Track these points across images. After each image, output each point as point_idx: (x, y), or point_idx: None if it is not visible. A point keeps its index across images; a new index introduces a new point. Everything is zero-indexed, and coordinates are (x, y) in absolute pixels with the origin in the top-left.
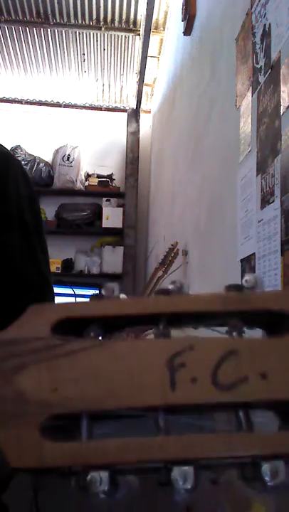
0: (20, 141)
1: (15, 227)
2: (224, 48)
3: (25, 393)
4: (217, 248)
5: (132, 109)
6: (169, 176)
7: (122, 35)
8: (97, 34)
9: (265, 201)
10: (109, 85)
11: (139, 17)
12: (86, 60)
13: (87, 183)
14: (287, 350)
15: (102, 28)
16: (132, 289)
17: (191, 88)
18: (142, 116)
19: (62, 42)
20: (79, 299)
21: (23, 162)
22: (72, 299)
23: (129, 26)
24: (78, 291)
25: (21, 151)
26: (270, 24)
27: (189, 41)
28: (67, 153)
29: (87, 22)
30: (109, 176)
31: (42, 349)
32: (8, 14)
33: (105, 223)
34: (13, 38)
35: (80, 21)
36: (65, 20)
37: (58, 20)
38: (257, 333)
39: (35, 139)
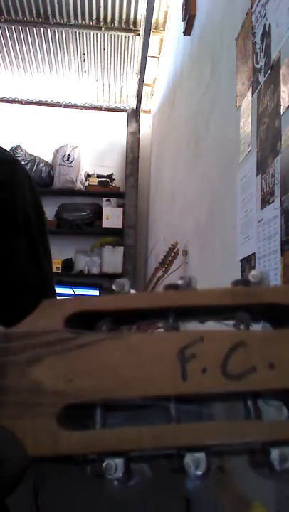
0: (20, 141)
1: (21, 234)
2: (224, 48)
3: (41, 384)
4: (217, 248)
5: (132, 109)
6: (169, 176)
7: (122, 35)
8: (97, 34)
9: (265, 201)
10: (109, 85)
11: (139, 17)
12: (86, 60)
13: (87, 183)
14: None
15: (102, 28)
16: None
17: (191, 88)
18: (142, 116)
19: (62, 42)
20: None
21: (23, 162)
22: None
23: (129, 26)
24: (78, 291)
25: (21, 151)
26: (270, 24)
27: (189, 41)
28: (67, 153)
29: (87, 22)
30: (109, 176)
31: (56, 342)
32: (8, 14)
33: (105, 223)
34: (13, 38)
35: (80, 21)
36: (65, 20)
37: (58, 20)
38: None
39: (35, 139)
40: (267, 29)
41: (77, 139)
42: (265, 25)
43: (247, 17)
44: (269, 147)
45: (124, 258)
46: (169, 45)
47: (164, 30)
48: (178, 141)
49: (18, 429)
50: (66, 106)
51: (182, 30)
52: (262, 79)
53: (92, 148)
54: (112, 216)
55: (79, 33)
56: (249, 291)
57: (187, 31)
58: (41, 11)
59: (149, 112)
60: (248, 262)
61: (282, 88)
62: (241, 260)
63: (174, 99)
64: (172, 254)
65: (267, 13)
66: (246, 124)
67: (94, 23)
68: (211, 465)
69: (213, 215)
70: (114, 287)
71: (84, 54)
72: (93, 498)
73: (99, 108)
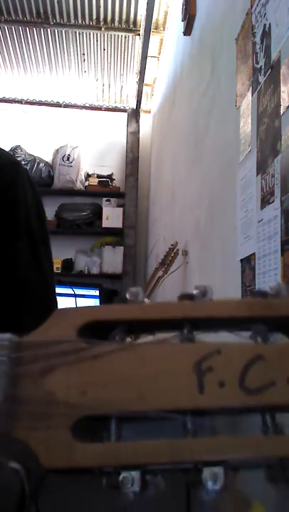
0: (20, 141)
1: (22, 236)
2: (224, 48)
3: (55, 395)
4: (217, 248)
5: (132, 109)
6: (169, 176)
7: (122, 35)
8: (97, 34)
9: (265, 201)
10: (109, 85)
11: (139, 17)
12: (86, 60)
13: (87, 183)
14: None
15: (102, 28)
16: None
17: (191, 88)
18: (142, 116)
19: (62, 42)
20: (79, 299)
21: (23, 162)
22: (72, 299)
23: (129, 26)
24: (78, 291)
25: (21, 151)
26: (270, 24)
27: (189, 41)
28: (67, 153)
29: (87, 22)
30: (109, 176)
31: (69, 352)
32: (8, 14)
33: (105, 223)
34: (13, 38)
35: (80, 21)
36: (65, 20)
37: (58, 20)
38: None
39: (35, 139)
40: (267, 29)
41: (77, 139)
42: (265, 25)
43: (247, 17)
44: (269, 147)
45: (124, 258)
46: (169, 45)
47: (164, 30)
48: (178, 141)
49: (33, 441)
50: (66, 106)
51: (182, 30)
52: (262, 79)
53: (92, 148)
54: (112, 216)
55: (79, 33)
56: (267, 303)
57: (187, 31)
58: (41, 11)
59: (149, 112)
60: (248, 262)
61: (282, 88)
62: (241, 260)
63: (174, 99)
64: (172, 254)
65: (267, 13)
66: (246, 124)
67: (94, 23)
68: (229, 479)
69: (213, 215)
70: (127, 296)
71: (84, 54)
72: (93, 497)
73: (99, 108)
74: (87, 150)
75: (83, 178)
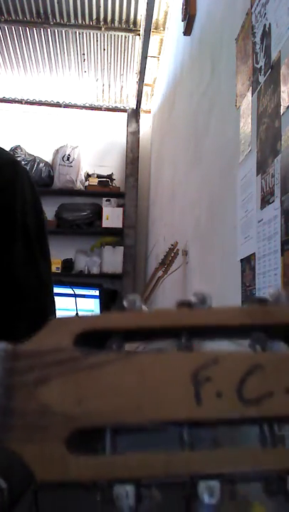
0: (20, 141)
1: (18, 236)
2: (224, 48)
3: (50, 406)
4: (217, 248)
5: (132, 109)
6: (169, 175)
7: (122, 35)
8: (97, 34)
9: (265, 201)
10: (109, 85)
11: (139, 17)
12: (86, 60)
13: (87, 183)
14: None
15: (102, 28)
16: (132, 289)
17: (191, 88)
18: (142, 116)
19: (62, 42)
20: (79, 299)
21: (23, 162)
22: (72, 299)
23: (129, 26)
24: (78, 291)
25: (21, 151)
26: (270, 24)
27: (189, 41)
28: (67, 153)
29: (87, 22)
30: (109, 176)
31: (65, 361)
32: (8, 14)
33: (105, 223)
34: (13, 38)
35: (80, 21)
36: (65, 20)
37: (58, 20)
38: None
39: (35, 139)
40: (267, 29)
41: (77, 139)
42: (265, 25)
43: (247, 17)
44: (269, 147)
45: (124, 258)
46: (169, 45)
47: (164, 30)
48: (178, 141)
49: (27, 454)
50: (66, 106)
51: (182, 30)
52: (262, 79)
53: (92, 148)
54: (112, 216)
55: (79, 33)
56: (266, 310)
57: (187, 31)
58: (41, 11)
59: (149, 112)
60: (248, 262)
61: (282, 88)
62: (241, 260)
63: (174, 99)
64: (172, 254)
65: (267, 13)
66: (246, 124)
67: (94, 23)
68: (225, 492)
69: (213, 215)
70: (124, 303)
71: (84, 54)
72: (92, 497)
73: (99, 108)
74: (87, 150)
75: (83, 178)
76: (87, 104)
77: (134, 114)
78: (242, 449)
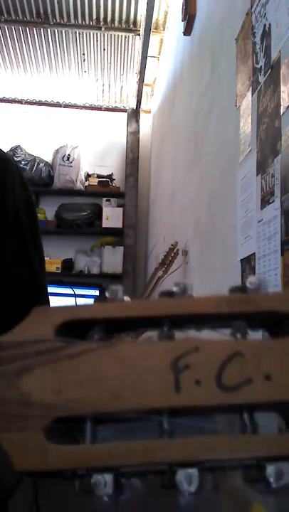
0: (20, 141)
1: (10, 234)
2: (224, 48)
3: (30, 396)
4: (217, 248)
5: (132, 109)
6: (169, 175)
7: (122, 35)
8: (97, 34)
9: (265, 201)
10: (109, 85)
11: (139, 17)
12: (86, 60)
13: (87, 183)
14: None
15: (102, 28)
16: (132, 289)
17: (191, 88)
18: (142, 116)
19: (62, 42)
20: (79, 299)
21: (23, 162)
22: (72, 299)
23: (129, 26)
24: (78, 291)
25: (21, 151)
26: (270, 24)
27: (189, 41)
28: (67, 153)
29: (87, 22)
30: (109, 176)
31: (46, 351)
32: (8, 14)
33: (105, 223)
34: (13, 38)
35: (80, 21)
36: (65, 20)
37: (58, 20)
38: (259, 334)
39: (35, 139)
40: (267, 29)
41: (77, 139)
42: (265, 25)
43: (247, 17)
44: (269, 147)
45: (124, 258)
46: (169, 45)
47: (164, 30)
48: (178, 141)
49: (6, 443)
50: (66, 106)
51: (182, 30)
52: (262, 79)
53: (92, 148)
54: (112, 216)
55: (79, 33)
56: (246, 298)
57: (187, 31)
58: (41, 11)
59: (149, 112)
60: (248, 262)
61: (282, 88)
62: (241, 260)
63: (174, 99)
64: (172, 254)
65: (267, 13)
66: (246, 124)
67: (94, 23)
68: (204, 481)
69: (213, 215)
70: (107, 294)
71: (84, 54)
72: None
73: (99, 108)
74: (87, 150)
75: (83, 178)
76: (87, 104)
77: (134, 114)
78: (220, 436)
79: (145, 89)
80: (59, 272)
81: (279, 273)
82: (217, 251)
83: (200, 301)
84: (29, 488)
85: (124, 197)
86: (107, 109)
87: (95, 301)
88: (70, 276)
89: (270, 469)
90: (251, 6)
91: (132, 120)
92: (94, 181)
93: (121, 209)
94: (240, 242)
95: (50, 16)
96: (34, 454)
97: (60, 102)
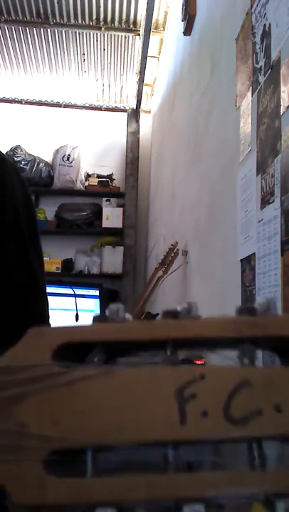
0: (20, 141)
1: (10, 236)
2: (224, 48)
3: (26, 426)
4: (217, 248)
5: (132, 109)
6: (169, 176)
7: (122, 35)
8: (97, 34)
9: (265, 201)
10: (109, 85)
11: (139, 17)
12: (86, 60)
13: (87, 183)
14: None
15: (102, 28)
16: (132, 289)
17: (191, 88)
18: (142, 116)
19: (62, 42)
20: (79, 299)
21: (23, 162)
22: (72, 299)
23: (129, 26)
24: (78, 291)
25: (21, 151)
26: (270, 24)
27: (189, 41)
28: (67, 153)
29: (87, 22)
30: (109, 176)
31: (42, 378)
32: (8, 14)
33: (105, 223)
34: (13, 38)
35: (80, 21)
36: (65, 20)
37: (58, 20)
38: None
39: (35, 139)
40: (267, 29)
41: (77, 139)
42: (265, 25)
43: (247, 17)
44: (269, 147)
45: (124, 258)
46: (169, 45)
47: (164, 30)
48: (178, 141)
49: (2, 475)
50: (66, 106)
51: (182, 30)
52: (262, 79)
53: (92, 148)
54: (112, 216)
55: (79, 33)
56: (254, 321)
57: (187, 31)
58: (41, 11)
59: (149, 112)
60: (248, 262)
61: (282, 88)
62: (241, 260)
63: (174, 99)
64: (172, 254)
65: (267, 13)
66: (246, 124)
67: (94, 23)
68: None
69: (213, 215)
70: (107, 313)
71: (84, 54)
72: None
73: (99, 108)
74: (87, 150)
75: (83, 178)
76: (87, 104)
77: (134, 114)
78: (228, 471)
79: (145, 89)
80: (59, 272)
81: (279, 273)
82: (217, 251)
83: (205, 323)
84: None
85: (124, 197)
86: (107, 109)
87: (94, 321)
88: (70, 276)
89: (280, 506)
90: (251, 6)
91: (132, 120)
92: (94, 181)
93: (121, 209)
94: (240, 242)
95: (50, 16)
96: (32, 488)
97: (60, 102)
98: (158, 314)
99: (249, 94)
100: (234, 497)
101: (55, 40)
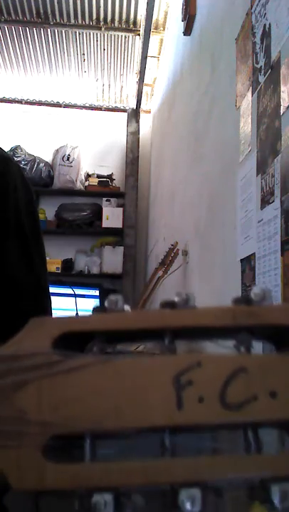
0: (20, 141)
1: (12, 235)
2: (224, 48)
3: (26, 412)
4: (217, 248)
5: (132, 109)
6: (169, 176)
7: (122, 35)
8: (97, 34)
9: (265, 201)
10: (109, 85)
11: (139, 17)
12: (86, 60)
13: (87, 183)
14: None
15: (102, 28)
16: (132, 289)
17: (191, 88)
18: (142, 116)
19: (62, 42)
20: (79, 299)
21: (23, 162)
22: (72, 299)
23: (129, 26)
24: (78, 291)
25: (21, 151)
26: (270, 24)
27: (189, 41)
28: (67, 153)
29: (87, 22)
30: (109, 176)
31: (43, 365)
32: (8, 14)
33: (105, 223)
34: (13, 38)
35: (80, 21)
36: (65, 20)
37: (58, 20)
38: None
39: (35, 139)
40: (267, 29)
41: (77, 139)
42: (265, 25)
43: (247, 17)
44: (269, 147)
45: (124, 258)
46: (169, 45)
47: (164, 30)
48: (178, 141)
49: (2, 461)
50: (66, 106)
51: (182, 30)
52: (262, 79)
53: (92, 148)
54: (112, 216)
55: (79, 33)
56: (250, 311)
57: (187, 31)
58: (41, 11)
59: (149, 112)
60: (248, 262)
61: (282, 88)
62: (241, 260)
63: (174, 99)
64: (172, 254)
65: (267, 13)
66: (246, 124)
67: (94, 23)
68: (207, 500)
69: (213, 215)
70: (106, 304)
71: (84, 54)
72: None
73: (99, 108)
74: (87, 150)
75: (83, 178)
76: (87, 104)
77: (134, 114)
78: (224, 456)
79: (145, 89)
80: (59, 272)
81: (279, 273)
82: (217, 251)
83: (203, 312)
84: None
85: (124, 197)
86: (107, 109)
87: (93, 312)
88: (70, 276)
89: (275, 490)
90: (251, 6)
91: (132, 120)
92: (94, 181)
93: (121, 209)
94: (240, 242)
95: (50, 16)
96: (31, 473)
97: (60, 102)
98: None
99: (249, 94)
100: (230, 481)
101: (55, 40)
